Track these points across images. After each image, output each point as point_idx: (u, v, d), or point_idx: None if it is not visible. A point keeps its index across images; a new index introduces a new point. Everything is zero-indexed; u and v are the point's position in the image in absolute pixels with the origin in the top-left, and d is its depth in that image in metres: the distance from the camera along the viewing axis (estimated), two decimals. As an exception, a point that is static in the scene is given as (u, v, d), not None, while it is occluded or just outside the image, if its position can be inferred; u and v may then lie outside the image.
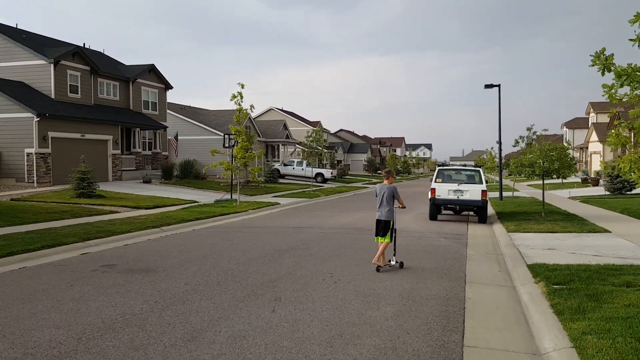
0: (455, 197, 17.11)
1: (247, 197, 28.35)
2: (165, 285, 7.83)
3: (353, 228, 15.12)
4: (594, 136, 52.89)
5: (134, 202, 21.82)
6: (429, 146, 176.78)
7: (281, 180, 47.29)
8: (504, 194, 29.77)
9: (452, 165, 18.93)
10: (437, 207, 17.52)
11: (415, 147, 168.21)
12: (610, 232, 13.44)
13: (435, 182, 17.59)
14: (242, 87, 22.15)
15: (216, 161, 24.22)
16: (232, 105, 22.57)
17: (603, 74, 6.41)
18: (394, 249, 9.59)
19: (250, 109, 22.23)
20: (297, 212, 20.88)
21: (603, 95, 6.86)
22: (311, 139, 33.06)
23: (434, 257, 10.27)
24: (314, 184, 46.42)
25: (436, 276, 8.49)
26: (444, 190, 17.22)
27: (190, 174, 36.31)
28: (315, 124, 74.95)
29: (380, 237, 9.28)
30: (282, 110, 75.08)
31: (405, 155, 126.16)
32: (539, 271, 8.31)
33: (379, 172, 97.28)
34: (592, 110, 62.35)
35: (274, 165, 49.64)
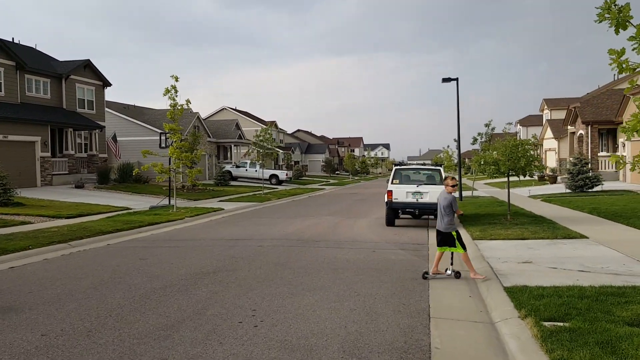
0: (414, 200, 15.30)
1: (189, 203, 25.86)
2: (13, 336, 5.53)
3: (298, 239, 13.05)
4: (549, 133, 52.69)
5: (55, 211, 19.10)
6: (387, 146, 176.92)
7: (233, 183, 44.80)
8: (463, 193, 28.40)
9: (410, 164, 17.08)
10: (394, 212, 15.66)
11: (373, 147, 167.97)
12: (587, 237, 11.86)
13: (392, 183, 15.73)
14: (177, 80, 19.76)
15: (153, 163, 21.64)
16: (163, 100, 20.27)
17: (617, 31, 4.56)
18: (451, 257, 8.57)
19: (187, 103, 19.82)
20: (240, 220, 18.64)
21: (610, 65, 5.03)
22: (260, 137, 30.77)
23: (390, 278, 8.30)
24: (267, 186, 44.18)
25: (392, 309, 6.50)
26: (402, 193, 15.38)
27: (130, 178, 33.40)
28: (271, 123, 72.61)
29: (442, 247, 8.68)
30: (235, 109, 72.28)
31: (363, 155, 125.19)
32: (522, 299, 6.44)
33: (337, 172, 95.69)
34: (546, 106, 62.50)
35: (224, 167, 47.03)
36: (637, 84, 4.98)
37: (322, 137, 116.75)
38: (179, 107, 19.82)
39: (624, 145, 34.45)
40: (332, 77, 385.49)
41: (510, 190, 34.06)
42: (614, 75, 58.65)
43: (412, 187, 15.41)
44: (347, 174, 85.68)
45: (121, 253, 11.31)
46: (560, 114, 54.44)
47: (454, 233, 8.44)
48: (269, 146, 31.58)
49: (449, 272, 8.55)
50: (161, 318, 6.15)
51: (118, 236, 14.23)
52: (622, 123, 35.20)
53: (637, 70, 4.96)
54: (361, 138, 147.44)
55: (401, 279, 8.26)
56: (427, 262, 9.82)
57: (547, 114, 61.34)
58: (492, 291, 7.28)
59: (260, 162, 47.38)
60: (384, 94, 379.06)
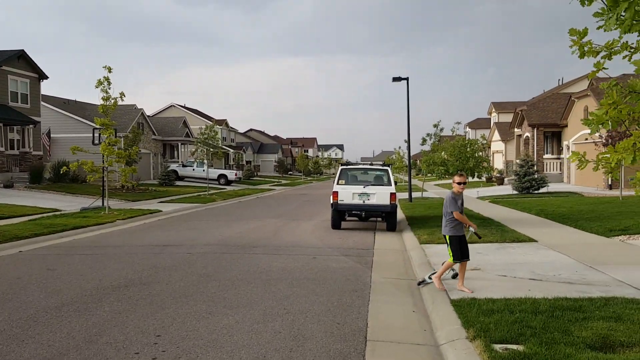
0: (361, 202, 14.53)
1: (126, 204, 24.27)
2: None
3: (235, 245, 12.01)
4: (497, 135, 53.57)
5: (-29, 213, 17.27)
6: (340, 147, 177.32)
7: (179, 183, 43.05)
8: (413, 194, 28.02)
9: (357, 164, 16.32)
10: (340, 214, 14.85)
11: (327, 147, 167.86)
12: (536, 241, 11.40)
13: (337, 184, 14.91)
14: (110, 71, 18.26)
15: (83, 161, 19.92)
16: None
17: (583, 3, 3.82)
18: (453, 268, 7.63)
19: (121, 97, 18.34)
20: (176, 223, 17.38)
21: (571, 47, 4.31)
22: (205, 135, 29.36)
23: (327, 291, 7.42)
24: (215, 186, 42.64)
25: (324, 330, 5.61)
26: (348, 194, 14.58)
27: (66, 177, 31.27)
28: (222, 122, 70.82)
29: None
30: (184, 107, 70.06)
31: (317, 156, 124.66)
32: (470, 315, 5.69)
33: (290, 173, 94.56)
34: (494, 110, 63.66)
35: (169, 167, 45.12)
36: (604, 67, 4.31)
37: (275, 137, 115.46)
38: (112, 101, 18.31)
39: (568, 148, 35.14)
40: (287, 78, 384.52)
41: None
42: (559, 80, 60.43)
43: (359, 188, 14.65)
44: (300, 174, 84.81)
45: (29, 262, 9.95)
46: (508, 117, 55.45)
47: (447, 237, 7.55)
48: (214, 144, 30.17)
49: (427, 279, 7.75)
50: (42, 349, 5.01)
51: (35, 242, 12.76)
52: (567, 126, 35.95)
53: (602, 54, 4.26)
54: (315, 139, 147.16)
55: (339, 291, 7.39)
56: (370, 269, 9.02)
57: (494, 117, 62.45)
58: (438, 305, 6.52)
59: (207, 161, 45.86)
60: (339, 96, 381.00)
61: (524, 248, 10.49)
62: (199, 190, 35.16)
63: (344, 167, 15.49)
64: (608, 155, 4.65)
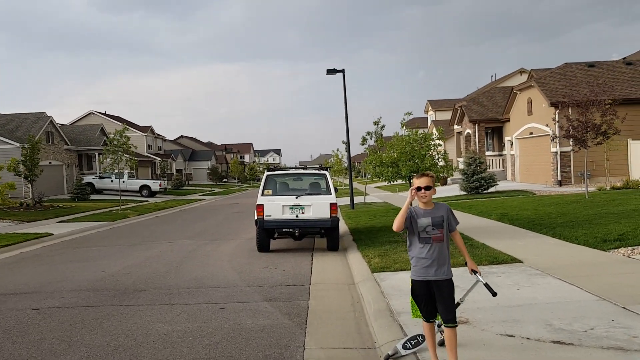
0: (294, 217, 11.41)
1: (14, 227, 20.02)
2: None
3: (115, 288, 8.54)
4: (434, 134, 52.16)
5: None
6: (278, 152, 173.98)
7: (95, 197, 38.38)
8: (356, 199, 25.27)
9: (287, 168, 13.19)
10: (267, 233, 11.66)
11: (264, 153, 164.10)
12: (520, 261, 8.71)
13: (263, 195, 11.71)
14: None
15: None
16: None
17: None
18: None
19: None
20: (61, 251, 13.57)
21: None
22: (115, 142, 25.36)
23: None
24: (136, 199, 38.23)
25: None
26: (276, 208, 11.43)
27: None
28: (146, 129, 65.76)
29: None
30: (104, 114, 64.45)
31: (254, 162, 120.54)
32: None
33: (224, 180, 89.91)
34: (430, 108, 62.63)
35: (83, 179, 40.21)
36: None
37: (209, 144, 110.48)
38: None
39: (511, 143, 33.69)
40: (220, 84, 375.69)
41: (403, 194, 31.85)
42: (492, 76, 60.10)
43: (290, 199, 11.52)
44: (236, 181, 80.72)
45: None
46: (445, 115, 54.33)
47: (410, 281, 4.53)
48: (125, 152, 26.13)
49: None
50: None
51: None
52: (509, 121, 34.53)
53: None
54: (251, 144, 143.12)
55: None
56: (304, 329, 5.91)
57: (432, 115, 61.38)
58: None
59: (125, 171, 41.23)
60: (275, 100, 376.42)
61: (512, 275, 7.73)
62: (114, 204, 30.84)
63: (271, 172, 12.29)
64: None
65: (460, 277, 5.90)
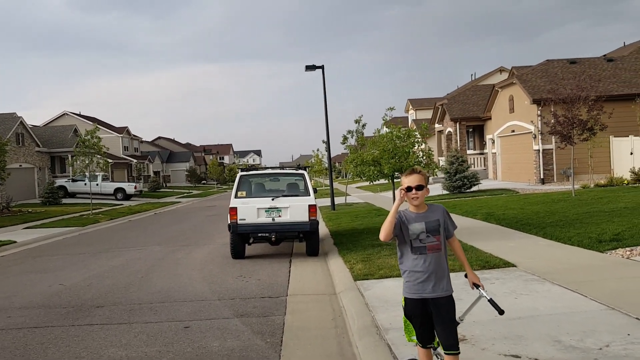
0: (270, 220, 10.65)
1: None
2: None
3: (70, 304, 7.67)
4: (416, 132, 51.75)
5: None
6: (258, 152, 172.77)
7: (68, 201, 37.08)
8: (337, 200, 24.60)
9: (262, 168, 12.39)
10: (242, 239, 10.87)
11: (244, 154, 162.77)
12: (514, 265, 8.10)
13: (236, 197, 10.91)
14: None
15: None
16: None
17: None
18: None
19: None
20: (18, 262, 12.56)
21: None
22: (87, 143, 24.24)
23: None
24: (110, 202, 36.98)
25: None
26: (251, 210, 10.64)
27: None
28: (122, 129, 64.19)
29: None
30: (79, 114, 62.75)
31: (233, 163, 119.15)
32: None
33: (203, 182, 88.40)
34: (411, 107, 62.27)
35: (55, 183, 38.77)
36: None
37: (187, 145, 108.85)
38: None
39: (493, 142, 33.38)
40: (201, 85, 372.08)
41: (383, 194, 31.19)
42: (472, 75, 60.02)
43: (266, 202, 10.75)
44: (215, 183, 79.44)
45: None
46: (426, 114, 53.95)
47: (402, 300, 3.77)
48: (96, 152, 24.99)
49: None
50: None
51: None
52: (490, 119, 34.20)
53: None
54: (231, 145, 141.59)
55: None
56: (279, 352, 5.15)
57: (412, 114, 61.03)
58: None
59: (103, 173, 39.94)
60: (255, 101, 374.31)
61: (508, 282, 7.09)
62: (87, 208, 29.63)
63: (245, 173, 11.48)
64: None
65: (459, 287, 5.21)
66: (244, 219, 10.54)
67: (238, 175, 11.27)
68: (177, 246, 13.55)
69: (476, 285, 3.78)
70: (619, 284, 6.52)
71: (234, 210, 10.57)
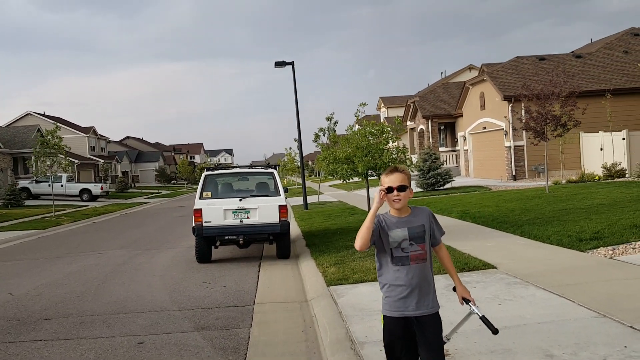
0: (237, 222, 10.05)
1: None
2: None
3: (15, 317, 6.93)
4: (389, 129, 51.62)
5: None
6: (230, 151, 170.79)
7: (31, 203, 35.62)
8: (309, 199, 24.08)
9: (232, 167, 11.76)
10: (207, 242, 10.24)
11: (215, 153, 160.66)
12: (494, 267, 7.71)
13: (201, 198, 10.27)
14: None
15: None
16: None
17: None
18: None
19: None
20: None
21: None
22: (48, 143, 23.15)
23: None
24: (75, 203, 35.66)
25: None
26: (217, 212, 10.02)
27: None
28: (88, 129, 62.34)
29: None
30: (43, 114, 60.65)
31: (204, 162, 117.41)
32: None
33: (173, 182, 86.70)
34: (382, 104, 62.19)
35: (17, 184, 37.21)
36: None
37: (156, 144, 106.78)
38: None
39: (464, 139, 33.36)
40: (169, 84, 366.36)
41: (357, 192, 30.78)
42: (442, 73, 60.29)
43: (233, 202, 10.14)
44: (185, 182, 77.97)
45: None
46: (398, 112, 53.80)
47: (381, 318, 3.25)
48: (58, 152, 23.88)
49: None
50: None
51: None
52: (461, 116, 34.18)
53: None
54: (202, 144, 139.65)
55: None
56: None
57: (384, 112, 60.93)
58: None
59: (68, 174, 38.58)
60: (226, 100, 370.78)
61: (489, 285, 6.68)
62: (50, 210, 28.39)
63: (210, 172, 10.84)
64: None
65: (438, 292, 4.75)
66: (210, 222, 9.92)
67: (203, 175, 10.62)
68: (140, 250, 12.80)
69: (466, 301, 3.31)
70: (606, 287, 6.17)
71: (198, 212, 9.94)
